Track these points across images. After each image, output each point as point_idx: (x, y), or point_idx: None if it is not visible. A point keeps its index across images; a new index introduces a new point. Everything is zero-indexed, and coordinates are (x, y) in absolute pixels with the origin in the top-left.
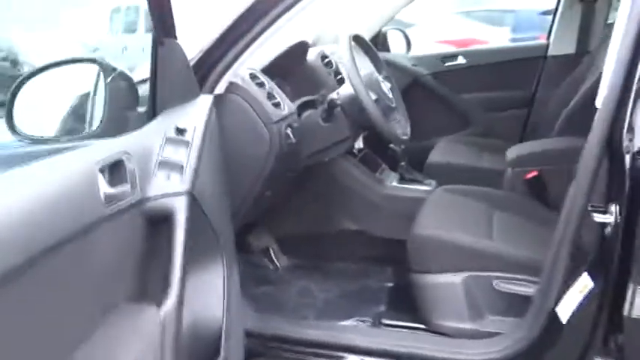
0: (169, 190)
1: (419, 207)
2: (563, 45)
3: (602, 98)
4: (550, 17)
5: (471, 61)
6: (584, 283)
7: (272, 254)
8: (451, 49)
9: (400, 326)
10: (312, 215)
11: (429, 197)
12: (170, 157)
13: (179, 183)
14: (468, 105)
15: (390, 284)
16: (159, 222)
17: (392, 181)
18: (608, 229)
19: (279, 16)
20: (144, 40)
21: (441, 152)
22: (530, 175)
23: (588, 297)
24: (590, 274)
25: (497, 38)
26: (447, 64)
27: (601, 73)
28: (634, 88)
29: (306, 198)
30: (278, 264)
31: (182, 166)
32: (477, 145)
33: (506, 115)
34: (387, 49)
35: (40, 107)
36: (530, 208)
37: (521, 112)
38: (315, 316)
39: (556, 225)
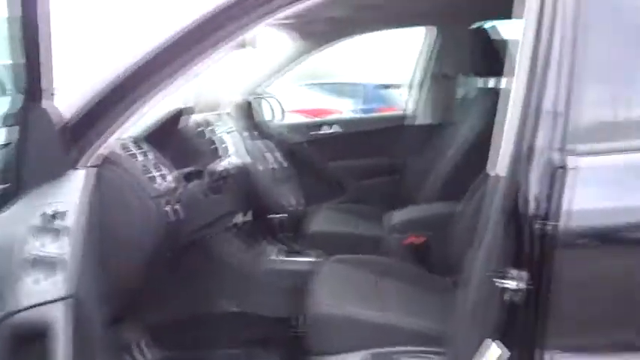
0: (42, 297)
1: (305, 280)
2: (422, 116)
3: (496, 165)
4: (390, 90)
5: (339, 129)
6: (496, 353)
7: (142, 349)
8: (305, 118)
9: None
10: (186, 298)
11: (317, 271)
12: (39, 253)
13: (54, 287)
14: (341, 172)
15: None
16: (30, 338)
17: (273, 254)
18: (516, 295)
19: (163, 80)
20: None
21: (320, 221)
22: (408, 241)
23: None
24: (500, 342)
25: (346, 108)
26: (312, 133)
27: (466, 140)
28: (525, 152)
29: (177, 278)
30: None
31: (55, 264)
32: (352, 213)
33: (377, 181)
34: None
35: None
36: (413, 273)
37: (392, 179)
38: None
39: (442, 290)
